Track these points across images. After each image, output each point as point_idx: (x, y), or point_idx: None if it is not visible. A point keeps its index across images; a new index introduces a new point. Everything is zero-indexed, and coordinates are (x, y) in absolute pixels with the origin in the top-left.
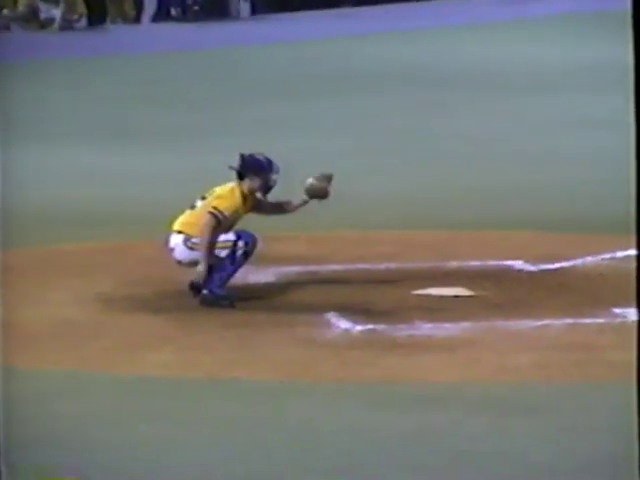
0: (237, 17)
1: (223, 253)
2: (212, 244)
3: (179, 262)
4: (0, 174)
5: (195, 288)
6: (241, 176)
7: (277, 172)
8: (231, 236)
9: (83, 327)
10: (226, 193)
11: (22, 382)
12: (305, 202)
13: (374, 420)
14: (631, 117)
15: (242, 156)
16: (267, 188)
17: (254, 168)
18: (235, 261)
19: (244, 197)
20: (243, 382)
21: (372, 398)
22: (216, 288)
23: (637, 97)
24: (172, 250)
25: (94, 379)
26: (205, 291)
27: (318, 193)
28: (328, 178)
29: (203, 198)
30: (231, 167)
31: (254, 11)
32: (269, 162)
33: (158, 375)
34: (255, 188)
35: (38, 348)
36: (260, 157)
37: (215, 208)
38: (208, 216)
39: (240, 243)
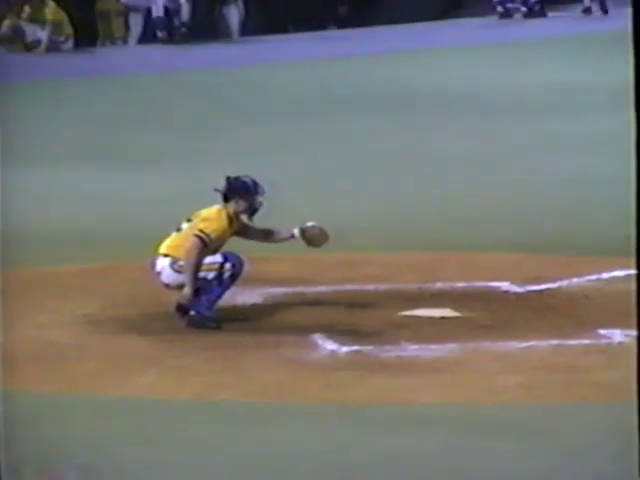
0: (225, 39)
1: (210, 275)
2: (198, 266)
3: (166, 285)
4: None
5: (182, 310)
6: (227, 198)
7: (263, 194)
8: (218, 258)
9: (69, 349)
10: (212, 215)
11: (6, 404)
12: (292, 237)
13: (361, 441)
14: (620, 139)
15: (228, 179)
16: (253, 210)
17: (240, 191)
18: (222, 283)
19: (230, 219)
20: (229, 404)
21: (359, 419)
22: (203, 310)
23: (638, 116)
24: (159, 274)
25: (80, 401)
26: (192, 312)
27: (314, 240)
28: (325, 235)
29: (189, 220)
30: (216, 189)
31: (241, 33)
32: (255, 184)
33: (144, 397)
34: (241, 210)
35: (24, 370)
36: (246, 179)
37: (201, 231)
38: (194, 239)
39: (227, 265)
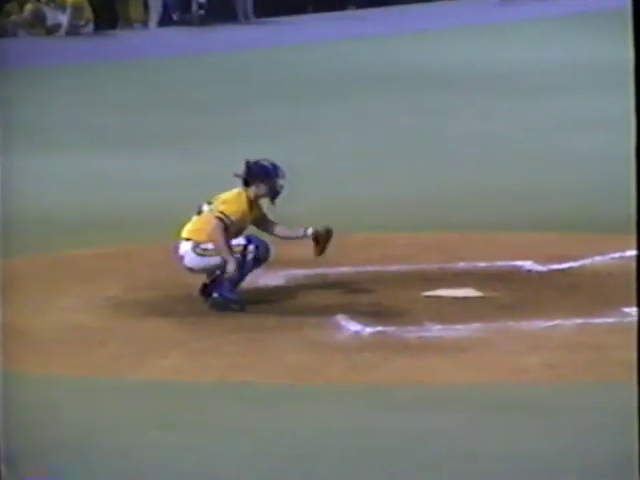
0: (243, 21)
1: (236, 256)
2: (228, 244)
3: (190, 269)
4: (3, 180)
5: (205, 292)
6: (247, 183)
7: (283, 177)
8: (241, 240)
9: (92, 332)
10: (232, 198)
11: (31, 389)
12: (304, 236)
13: (385, 422)
14: (631, 115)
15: (247, 163)
16: (274, 193)
17: (260, 175)
18: (245, 265)
19: (250, 203)
20: (254, 386)
21: (383, 400)
22: (226, 292)
23: (637, 97)
24: (182, 258)
25: (103, 385)
26: (215, 295)
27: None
28: (328, 232)
29: (209, 203)
30: (236, 175)
31: (259, 14)
32: (275, 167)
33: (168, 379)
34: (262, 194)
35: (47, 355)
36: (265, 163)
37: (222, 212)
38: (215, 221)
39: (250, 247)
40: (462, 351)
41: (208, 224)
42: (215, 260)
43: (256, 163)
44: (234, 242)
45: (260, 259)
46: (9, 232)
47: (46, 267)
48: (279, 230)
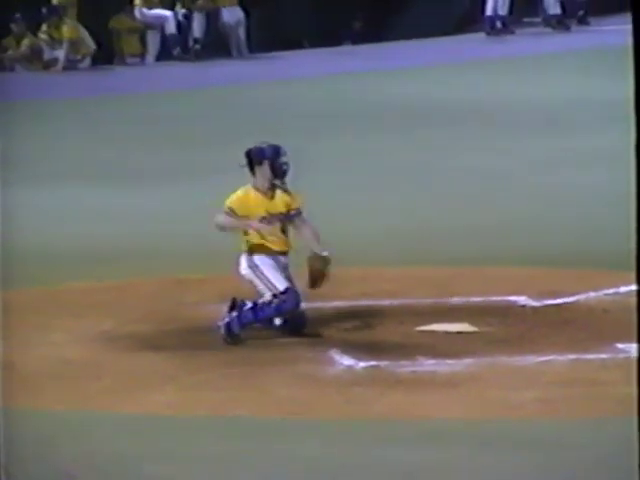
0: (237, 57)
1: (267, 294)
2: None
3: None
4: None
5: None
6: (253, 171)
7: (285, 155)
8: (282, 285)
9: (85, 367)
10: (237, 192)
11: (23, 423)
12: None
13: (378, 457)
14: (631, 153)
15: (246, 151)
16: (279, 172)
17: (258, 157)
18: (265, 309)
19: (257, 192)
20: (246, 419)
21: (375, 435)
22: (235, 325)
23: (638, 132)
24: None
25: (96, 419)
26: (225, 322)
27: (316, 267)
28: (326, 261)
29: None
30: (241, 165)
31: (256, 49)
32: (272, 147)
33: (161, 414)
34: (267, 175)
35: (39, 389)
36: (262, 145)
37: (225, 206)
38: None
39: (282, 297)
40: (455, 386)
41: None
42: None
43: (254, 147)
44: (275, 280)
45: (282, 312)
46: (2, 265)
47: (39, 301)
48: (305, 233)
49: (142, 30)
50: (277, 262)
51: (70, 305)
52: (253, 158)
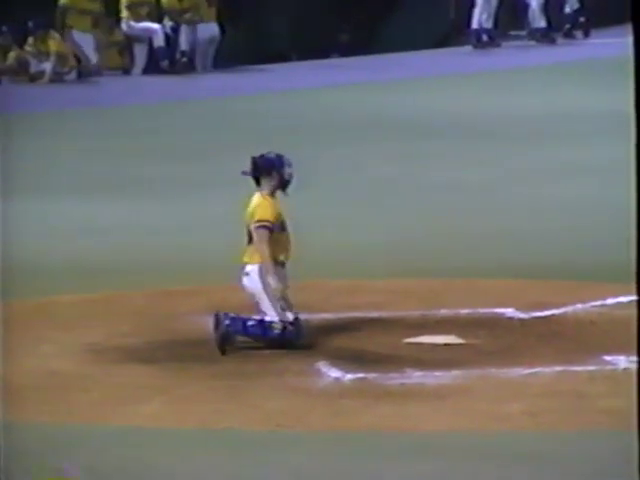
0: (228, 68)
1: (275, 320)
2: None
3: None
4: None
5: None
6: (258, 181)
7: (290, 165)
8: (290, 316)
9: (72, 379)
10: (260, 202)
11: (9, 436)
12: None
13: (366, 469)
14: (619, 164)
15: (253, 159)
16: (285, 183)
17: (267, 167)
18: (266, 334)
19: (272, 198)
20: (234, 432)
21: (364, 447)
22: (239, 333)
23: (638, 145)
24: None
25: (83, 432)
26: (227, 325)
27: None
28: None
29: (247, 225)
30: (244, 172)
31: (244, 62)
32: (279, 157)
33: (149, 426)
34: (274, 186)
35: (26, 401)
36: (270, 155)
37: (260, 220)
38: (259, 231)
39: (290, 327)
40: (443, 398)
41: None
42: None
43: (261, 157)
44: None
45: (286, 340)
46: None
47: (26, 313)
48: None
49: (121, 43)
50: (282, 275)
51: (57, 318)
52: (261, 168)
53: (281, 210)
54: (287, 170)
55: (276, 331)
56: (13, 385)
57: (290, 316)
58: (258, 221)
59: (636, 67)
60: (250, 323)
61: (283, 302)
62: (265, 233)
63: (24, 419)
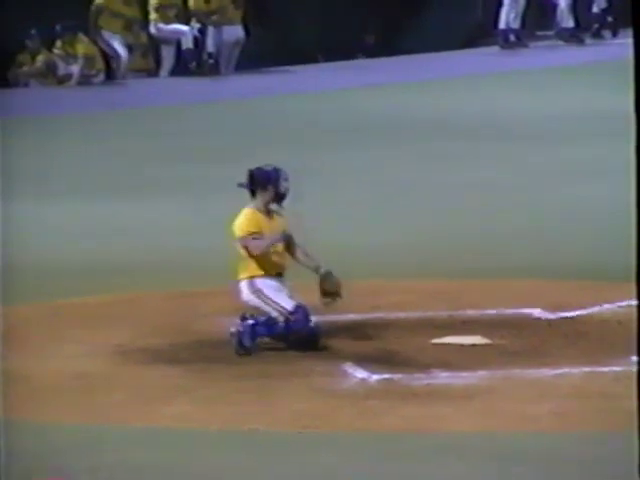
0: (255, 70)
1: (273, 313)
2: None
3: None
4: (5, 228)
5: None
6: (253, 193)
7: (286, 179)
8: (289, 305)
9: (98, 380)
10: (240, 218)
11: (34, 437)
12: (315, 270)
13: (392, 470)
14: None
15: (249, 172)
16: (280, 196)
17: (262, 180)
18: (273, 328)
19: (262, 213)
20: (260, 433)
21: (390, 448)
22: (246, 337)
23: (638, 148)
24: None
25: (108, 433)
26: (237, 330)
27: (329, 288)
28: (337, 282)
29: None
30: (240, 184)
31: (271, 64)
32: (276, 171)
33: (174, 427)
34: (270, 199)
35: (50, 402)
36: (267, 168)
37: (242, 237)
38: (248, 246)
39: (292, 316)
40: (470, 399)
41: (242, 260)
42: (267, 309)
43: (258, 169)
44: (283, 301)
45: (293, 330)
46: (11, 279)
47: (49, 315)
48: (299, 254)
49: (145, 46)
50: (278, 282)
51: (79, 319)
52: (257, 181)
53: (281, 223)
54: (283, 184)
55: (280, 324)
56: (40, 386)
57: (289, 305)
58: (238, 239)
59: (636, 67)
60: (257, 325)
61: (286, 290)
62: (253, 243)
63: (49, 420)
